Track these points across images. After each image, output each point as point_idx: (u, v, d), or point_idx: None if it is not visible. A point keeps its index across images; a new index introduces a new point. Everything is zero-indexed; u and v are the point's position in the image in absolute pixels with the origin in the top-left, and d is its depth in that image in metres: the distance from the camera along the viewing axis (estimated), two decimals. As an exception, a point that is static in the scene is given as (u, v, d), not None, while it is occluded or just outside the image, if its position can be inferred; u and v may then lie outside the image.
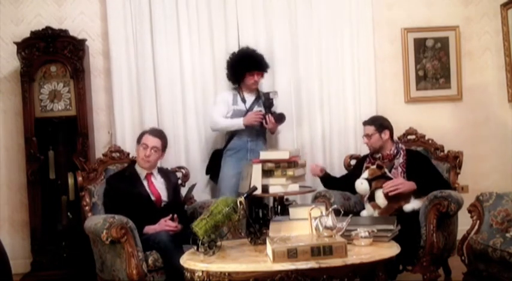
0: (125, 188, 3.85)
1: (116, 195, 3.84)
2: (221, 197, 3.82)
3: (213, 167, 4.76)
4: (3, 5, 4.93)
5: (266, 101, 4.60)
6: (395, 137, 4.24)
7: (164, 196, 3.94)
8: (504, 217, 3.64)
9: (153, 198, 3.89)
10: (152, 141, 3.97)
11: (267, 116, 4.54)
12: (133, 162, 4.05)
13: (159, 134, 4.08)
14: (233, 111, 4.63)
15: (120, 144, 4.64)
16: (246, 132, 4.63)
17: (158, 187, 3.96)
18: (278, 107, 4.99)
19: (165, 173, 4.11)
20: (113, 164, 4.19)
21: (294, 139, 5.08)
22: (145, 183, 3.94)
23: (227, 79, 4.76)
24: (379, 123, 4.11)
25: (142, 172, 3.96)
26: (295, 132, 5.09)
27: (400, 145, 4.14)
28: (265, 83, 5.01)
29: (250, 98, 4.70)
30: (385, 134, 4.09)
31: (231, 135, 4.66)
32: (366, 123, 4.18)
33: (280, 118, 4.61)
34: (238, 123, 4.55)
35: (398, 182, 3.84)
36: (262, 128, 4.64)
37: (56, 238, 4.71)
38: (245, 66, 4.61)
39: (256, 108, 4.65)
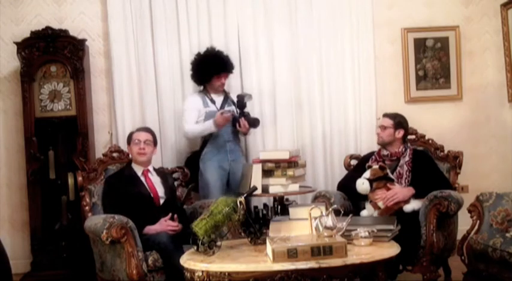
0: (124, 187, 3.85)
1: (116, 195, 3.84)
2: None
3: (192, 176, 4.50)
4: (3, 5, 4.93)
5: (239, 103, 4.51)
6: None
7: (161, 193, 3.96)
8: (504, 216, 3.64)
9: (151, 195, 3.90)
10: (143, 135, 4.03)
11: (240, 119, 4.46)
12: (129, 162, 4.05)
13: (147, 129, 4.15)
14: (206, 114, 4.54)
15: (120, 144, 4.64)
16: (223, 133, 4.55)
17: (155, 183, 3.98)
18: (278, 106, 5.01)
19: (161, 173, 4.13)
20: (113, 164, 4.19)
21: (294, 139, 5.08)
22: (143, 180, 3.95)
23: (192, 80, 4.67)
24: (398, 121, 4.11)
25: (139, 170, 3.97)
26: (296, 132, 5.09)
27: (408, 144, 4.15)
28: (265, 83, 5.02)
29: (218, 99, 4.64)
30: (399, 133, 4.10)
31: (207, 138, 4.59)
32: (386, 115, 4.18)
33: (254, 123, 4.52)
34: (210, 126, 4.45)
35: (395, 192, 3.85)
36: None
37: (56, 238, 4.71)
38: (213, 68, 4.54)
39: (226, 108, 4.57)
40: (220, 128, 4.45)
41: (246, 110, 4.54)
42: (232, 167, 4.61)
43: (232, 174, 4.61)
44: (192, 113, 4.55)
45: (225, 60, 4.61)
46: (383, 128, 4.11)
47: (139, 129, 4.14)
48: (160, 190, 3.96)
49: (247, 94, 4.62)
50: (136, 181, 3.92)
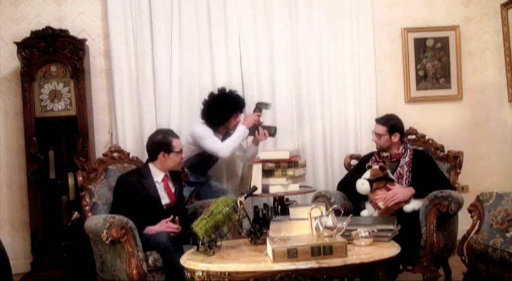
0: (136, 189, 3.82)
1: (126, 195, 3.81)
2: None
3: None
4: (3, 5, 4.93)
5: (257, 111, 4.51)
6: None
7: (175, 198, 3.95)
8: (504, 216, 3.64)
9: (167, 200, 3.87)
10: (181, 143, 3.98)
11: (260, 128, 4.45)
12: (146, 163, 3.98)
13: (176, 134, 4.04)
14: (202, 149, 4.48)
15: (120, 144, 4.65)
16: (200, 170, 4.53)
17: (172, 189, 3.95)
18: (278, 106, 5.01)
19: (174, 174, 4.05)
20: (113, 164, 4.18)
21: (295, 139, 5.07)
22: (161, 185, 3.90)
23: (206, 120, 4.51)
24: (392, 125, 4.07)
25: (159, 175, 3.91)
26: (296, 132, 5.09)
27: (408, 145, 4.15)
28: (265, 82, 5.02)
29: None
30: (395, 137, 4.07)
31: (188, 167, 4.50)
32: (378, 121, 4.14)
33: (274, 132, 4.52)
34: (243, 131, 4.43)
35: (395, 193, 3.84)
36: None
37: (56, 238, 4.71)
38: (235, 108, 4.51)
39: None
40: (251, 127, 4.44)
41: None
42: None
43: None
44: (214, 136, 4.45)
45: (242, 98, 4.60)
46: (378, 136, 4.09)
47: (173, 136, 3.96)
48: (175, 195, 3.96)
49: (268, 103, 4.60)
50: (151, 185, 3.86)
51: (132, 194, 3.80)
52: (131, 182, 3.85)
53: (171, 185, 3.95)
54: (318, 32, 5.09)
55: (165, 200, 3.88)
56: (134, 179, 3.87)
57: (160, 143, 3.90)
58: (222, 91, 4.59)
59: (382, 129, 4.08)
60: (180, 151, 3.93)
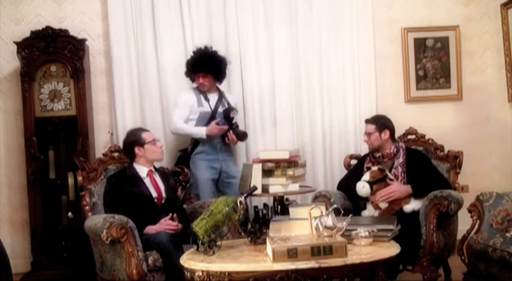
0: (126, 187, 3.83)
1: (118, 194, 3.82)
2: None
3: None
4: (3, 5, 4.93)
5: (226, 117, 4.55)
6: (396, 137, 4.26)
7: (163, 193, 3.95)
8: (504, 216, 3.64)
9: (155, 195, 3.89)
10: (153, 135, 4.05)
11: (228, 133, 4.52)
12: (131, 162, 4.03)
13: (145, 129, 4.14)
14: (199, 114, 4.56)
15: (120, 144, 4.63)
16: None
17: (159, 183, 3.97)
18: (278, 106, 5.01)
19: (162, 173, 4.11)
20: (113, 164, 4.18)
21: (294, 139, 5.08)
22: (147, 181, 3.93)
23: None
24: (381, 123, 4.11)
25: (143, 171, 3.95)
26: (296, 132, 5.10)
27: (400, 144, 4.15)
28: (266, 83, 5.02)
29: (213, 98, 4.64)
30: (385, 134, 4.09)
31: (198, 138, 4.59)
32: (367, 121, 4.19)
33: (242, 136, 4.57)
34: (201, 133, 4.51)
35: (392, 190, 3.85)
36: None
37: (56, 238, 4.71)
38: (192, 66, 4.59)
39: (220, 109, 4.59)
40: (213, 135, 4.52)
41: (234, 121, 4.59)
42: (222, 166, 4.64)
43: (223, 173, 4.64)
44: (184, 110, 4.57)
45: (204, 61, 4.56)
46: (368, 135, 4.12)
47: (143, 130, 4.08)
48: (163, 190, 3.96)
49: (233, 109, 4.62)
50: (139, 182, 3.90)
51: (123, 192, 3.81)
52: (119, 181, 3.87)
53: (158, 179, 3.97)
54: (318, 32, 5.10)
55: (153, 194, 3.90)
56: (122, 178, 3.90)
57: (130, 140, 3.99)
58: (199, 48, 4.65)
59: (371, 127, 4.12)
60: (154, 141, 3.97)
